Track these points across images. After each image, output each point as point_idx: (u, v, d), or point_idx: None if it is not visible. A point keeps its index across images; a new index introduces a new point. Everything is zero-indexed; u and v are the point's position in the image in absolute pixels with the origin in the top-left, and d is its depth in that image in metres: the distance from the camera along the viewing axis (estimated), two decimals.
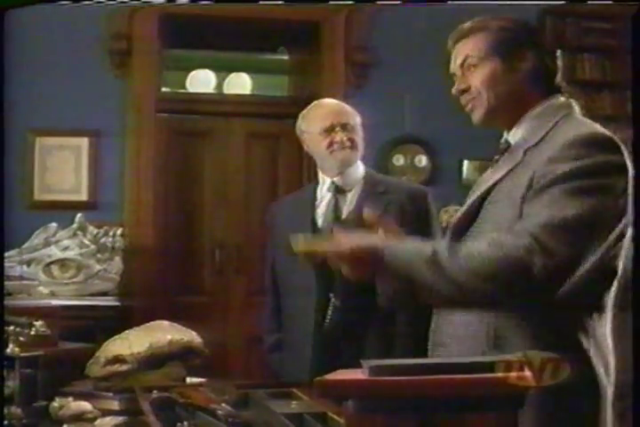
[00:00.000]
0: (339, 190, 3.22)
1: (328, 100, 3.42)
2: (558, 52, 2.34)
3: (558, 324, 1.99)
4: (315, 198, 3.27)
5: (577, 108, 2.18)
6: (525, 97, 2.17)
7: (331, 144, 3.20)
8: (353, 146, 3.20)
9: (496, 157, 2.22)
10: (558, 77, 2.24)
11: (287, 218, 3.32)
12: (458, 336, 2.11)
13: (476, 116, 2.20)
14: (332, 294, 3.13)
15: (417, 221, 3.11)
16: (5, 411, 2.47)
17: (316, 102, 3.39)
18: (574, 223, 1.92)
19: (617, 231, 1.99)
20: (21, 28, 5.07)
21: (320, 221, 3.23)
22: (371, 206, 3.10)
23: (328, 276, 3.12)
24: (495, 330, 2.03)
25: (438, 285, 1.94)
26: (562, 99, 2.19)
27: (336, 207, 3.21)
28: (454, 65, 2.23)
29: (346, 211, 3.20)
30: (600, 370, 2.01)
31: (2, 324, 2.55)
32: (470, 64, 2.19)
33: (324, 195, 3.26)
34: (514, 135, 2.18)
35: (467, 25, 2.25)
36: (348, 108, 3.30)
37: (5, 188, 5.23)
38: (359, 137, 3.22)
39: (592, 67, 6.18)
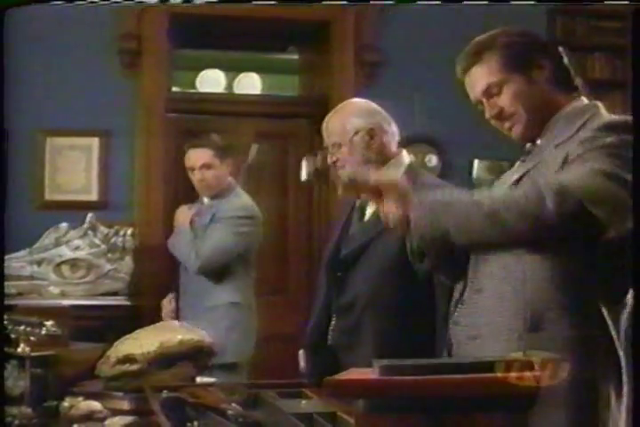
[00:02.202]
0: None
1: (328, 116, 3.27)
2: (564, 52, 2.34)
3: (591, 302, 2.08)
4: (356, 201, 3.25)
5: (603, 108, 2.22)
6: (553, 101, 2.22)
7: None
8: (340, 166, 3.12)
9: (522, 159, 2.27)
10: (579, 84, 2.27)
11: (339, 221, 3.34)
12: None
13: (516, 132, 2.25)
14: (334, 316, 3.12)
15: None
16: (16, 411, 2.48)
17: None
18: (607, 177, 1.95)
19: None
20: (31, 28, 5.09)
21: (349, 221, 3.23)
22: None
23: (337, 291, 3.12)
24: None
25: (476, 222, 1.98)
26: (586, 101, 2.24)
27: (362, 208, 3.19)
28: (476, 93, 2.27)
29: (368, 212, 3.18)
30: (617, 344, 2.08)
31: (2, 322, 2.56)
32: (494, 92, 2.23)
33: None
34: (541, 137, 2.22)
35: (471, 49, 2.28)
36: (337, 122, 3.17)
37: (16, 188, 5.25)
38: (345, 152, 3.11)
39: (602, 66, 6.17)
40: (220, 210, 4.38)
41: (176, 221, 4.57)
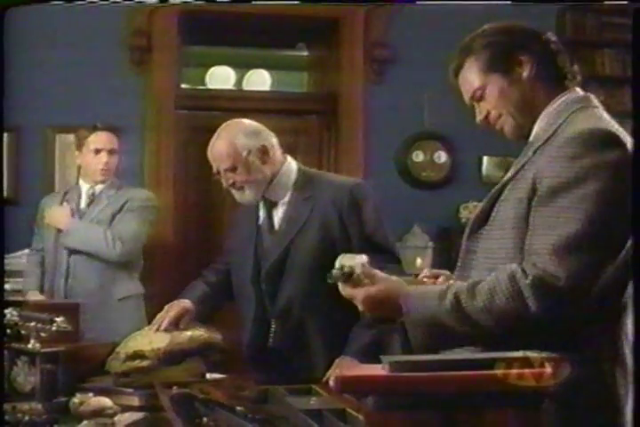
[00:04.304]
0: (271, 204, 3.19)
1: (212, 141, 3.19)
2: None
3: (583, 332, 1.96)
4: (258, 211, 3.24)
5: (595, 101, 2.15)
6: (540, 96, 2.15)
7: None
8: (239, 187, 3.13)
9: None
10: (573, 71, 2.19)
11: (239, 231, 3.34)
12: None
13: (508, 133, 2.20)
14: (273, 320, 3.14)
15: (346, 219, 3.09)
16: (26, 407, 2.49)
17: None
18: (581, 240, 1.90)
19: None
20: (41, 25, 5.10)
21: (260, 233, 3.23)
22: (296, 214, 3.12)
23: (269, 300, 3.15)
24: None
25: (461, 328, 1.94)
26: (579, 93, 2.17)
27: (269, 220, 3.20)
28: (466, 99, 2.24)
29: (277, 222, 3.19)
30: (619, 379, 1.98)
31: (2, 319, 2.57)
32: (478, 96, 2.19)
33: (262, 208, 3.24)
34: (531, 135, 2.17)
35: (454, 55, 2.24)
36: (225, 145, 3.12)
37: (27, 185, 5.26)
38: (242, 174, 3.11)
39: (612, 62, 6.15)
40: (132, 199, 4.38)
41: (57, 221, 4.40)
